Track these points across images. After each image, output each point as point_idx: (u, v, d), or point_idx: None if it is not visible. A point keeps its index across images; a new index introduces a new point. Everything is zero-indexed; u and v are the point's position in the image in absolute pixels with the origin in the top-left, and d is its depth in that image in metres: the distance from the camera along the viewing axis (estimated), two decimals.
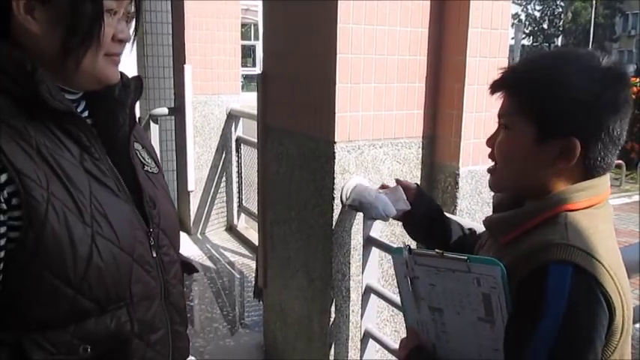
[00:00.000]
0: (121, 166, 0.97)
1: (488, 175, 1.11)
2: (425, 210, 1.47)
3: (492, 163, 1.10)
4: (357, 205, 1.37)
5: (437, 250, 1.05)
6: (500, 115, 1.06)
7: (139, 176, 1.01)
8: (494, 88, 1.06)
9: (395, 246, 1.56)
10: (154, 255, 0.98)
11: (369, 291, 2.23)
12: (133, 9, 0.95)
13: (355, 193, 1.38)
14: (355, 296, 2.30)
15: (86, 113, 0.99)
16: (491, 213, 1.15)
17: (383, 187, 1.43)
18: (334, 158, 2.16)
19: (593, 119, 0.95)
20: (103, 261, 0.87)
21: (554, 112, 0.96)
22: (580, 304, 0.88)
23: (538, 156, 0.99)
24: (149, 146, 1.13)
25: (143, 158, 1.07)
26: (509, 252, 1.00)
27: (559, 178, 1.00)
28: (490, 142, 1.08)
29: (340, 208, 2.21)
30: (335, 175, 2.17)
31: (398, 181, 1.52)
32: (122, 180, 0.95)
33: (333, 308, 2.29)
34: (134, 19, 0.97)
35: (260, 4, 2.82)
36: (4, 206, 0.81)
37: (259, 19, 15.95)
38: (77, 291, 0.86)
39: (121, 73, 0.99)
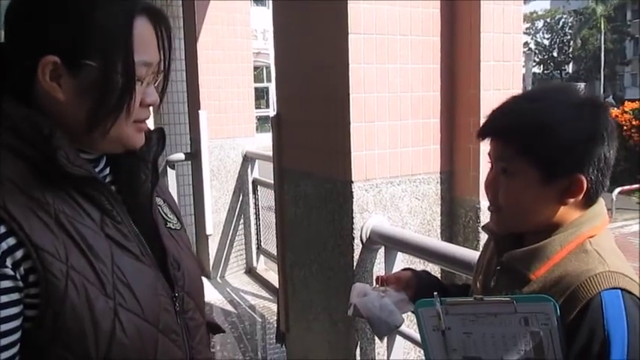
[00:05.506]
0: (143, 225, 0.91)
1: (491, 214, 1.10)
2: (429, 290, 1.23)
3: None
4: (364, 318, 1.27)
5: (476, 296, 1.02)
6: (497, 159, 1.06)
7: (162, 235, 0.95)
8: (485, 134, 1.06)
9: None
10: (179, 321, 0.92)
11: (394, 332, 2.17)
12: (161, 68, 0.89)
13: (359, 303, 1.26)
14: None
15: (107, 171, 0.93)
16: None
17: (380, 280, 1.32)
18: (352, 198, 2.14)
19: (590, 153, 0.99)
20: (127, 336, 0.81)
21: (555, 154, 0.99)
22: (637, 324, 0.91)
23: (545, 196, 1.01)
24: (171, 201, 1.07)
25: (165, 214, 1.01)
26: (540, 284, 0.99)
27: (566, 210, 1.02)
28: (490, 187, 1.08)
29: (360, 248, 2.17)
30: (354, 215, 2.15)
31: (390, 277, 1.36)
32: (145, 242, 0.89)
33: (357, 351, 2.23)
34: (161, 77, 0.91)
35: (271, 47, 2.86)
36: (20, 284, 0.75)
37: (271, 62, 16.23)
38: None
39: None
